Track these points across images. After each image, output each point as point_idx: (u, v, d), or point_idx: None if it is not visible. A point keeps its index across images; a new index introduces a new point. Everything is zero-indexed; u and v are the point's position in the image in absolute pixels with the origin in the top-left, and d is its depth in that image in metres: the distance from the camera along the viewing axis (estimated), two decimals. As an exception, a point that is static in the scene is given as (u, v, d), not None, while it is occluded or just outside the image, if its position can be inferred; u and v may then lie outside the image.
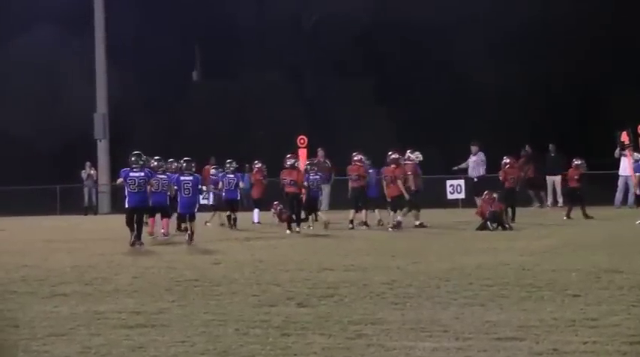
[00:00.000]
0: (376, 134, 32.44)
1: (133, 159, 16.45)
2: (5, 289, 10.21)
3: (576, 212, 21.86)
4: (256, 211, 23.26)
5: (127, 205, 16.47)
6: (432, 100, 36.95)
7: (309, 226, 20.06)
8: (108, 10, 37.23)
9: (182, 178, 17.51)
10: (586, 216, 21.54)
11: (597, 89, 34.59)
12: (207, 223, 21.95)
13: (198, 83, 44.46)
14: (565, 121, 34.24)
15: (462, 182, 29.19)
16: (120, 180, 16.78)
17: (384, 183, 19.82)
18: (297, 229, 18.95)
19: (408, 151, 20.70)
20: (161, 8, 39.09)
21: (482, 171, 24.91)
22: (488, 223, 18.24)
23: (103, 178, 36.65)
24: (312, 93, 41.20)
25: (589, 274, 10.09)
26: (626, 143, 21.62)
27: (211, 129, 39.20)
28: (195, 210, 17.45)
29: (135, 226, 16.17)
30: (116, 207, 35.01)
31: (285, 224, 19.80)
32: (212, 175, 23.33)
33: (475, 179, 24.93)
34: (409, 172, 19.74)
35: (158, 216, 18.78)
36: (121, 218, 17.41)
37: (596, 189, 25.17)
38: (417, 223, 19.77)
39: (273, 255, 13.88)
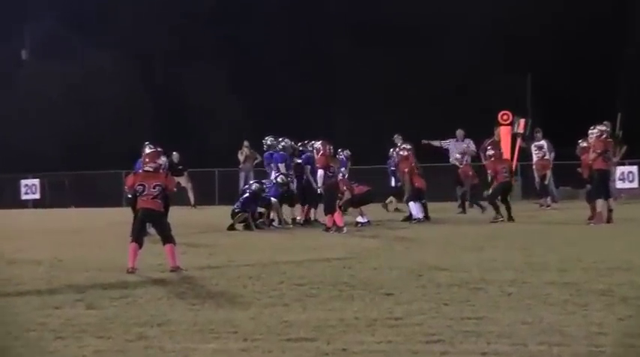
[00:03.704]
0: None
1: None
2: None
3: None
4: None
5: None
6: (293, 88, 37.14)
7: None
8: None
9: None
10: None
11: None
12: None
13: (28, 62, 43.43)
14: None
15: None
16: None
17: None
18: None
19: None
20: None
21: (469, 159, 24.81)
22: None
23: None
24: (161, 79, 41.02)
25: (411, 272, 10.42)
26: None
27: (41, 108, 38.51)
28: None
29: None
30: None
31: None
32: None
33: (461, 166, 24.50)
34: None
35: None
36: None
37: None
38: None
39: (72, 254, 13.75)
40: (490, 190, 20.31)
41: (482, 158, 26.13)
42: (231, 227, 18.44)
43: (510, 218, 19.05)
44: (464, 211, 22.94)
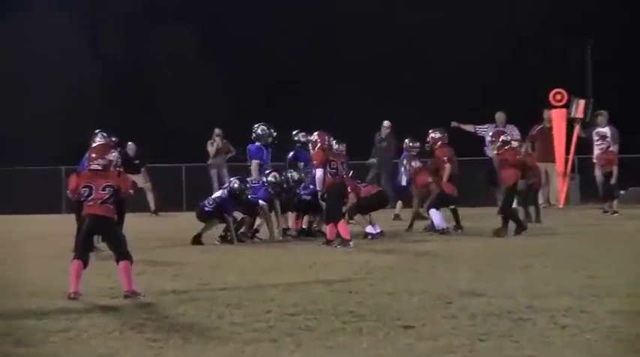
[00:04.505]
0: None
1: None
2: None
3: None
4: None
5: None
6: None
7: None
8: None
9: None
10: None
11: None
12: None
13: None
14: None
15: None
16: None
17: None
18: None
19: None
20: None
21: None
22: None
23: None
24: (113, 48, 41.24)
25: (436, 298, 10.44)
26: None
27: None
28: None
29: None
30: None
31: None
32: None
33: None
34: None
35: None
36: None
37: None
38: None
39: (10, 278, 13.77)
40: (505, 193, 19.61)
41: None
42: (197, 239, 18.16)
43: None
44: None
